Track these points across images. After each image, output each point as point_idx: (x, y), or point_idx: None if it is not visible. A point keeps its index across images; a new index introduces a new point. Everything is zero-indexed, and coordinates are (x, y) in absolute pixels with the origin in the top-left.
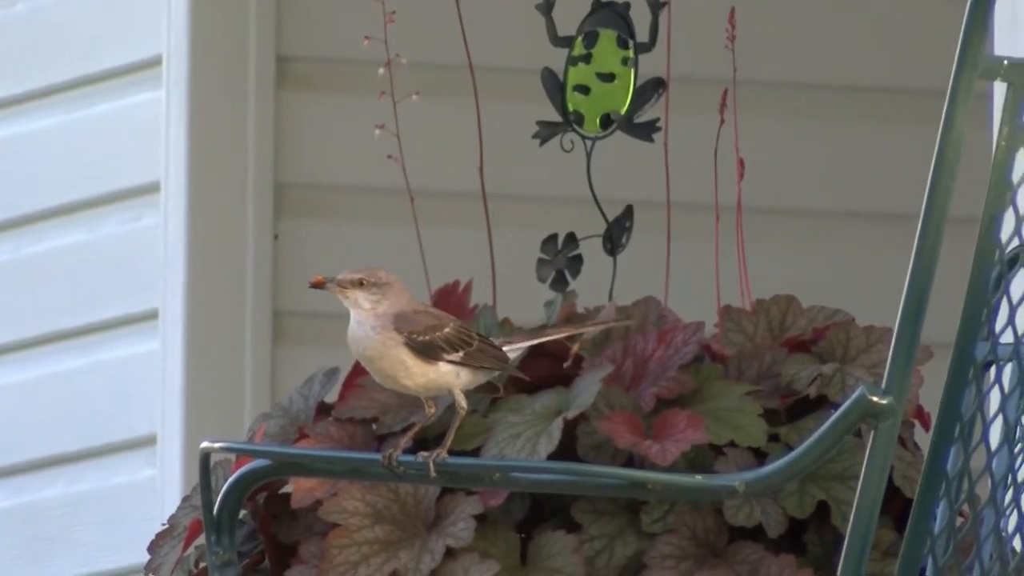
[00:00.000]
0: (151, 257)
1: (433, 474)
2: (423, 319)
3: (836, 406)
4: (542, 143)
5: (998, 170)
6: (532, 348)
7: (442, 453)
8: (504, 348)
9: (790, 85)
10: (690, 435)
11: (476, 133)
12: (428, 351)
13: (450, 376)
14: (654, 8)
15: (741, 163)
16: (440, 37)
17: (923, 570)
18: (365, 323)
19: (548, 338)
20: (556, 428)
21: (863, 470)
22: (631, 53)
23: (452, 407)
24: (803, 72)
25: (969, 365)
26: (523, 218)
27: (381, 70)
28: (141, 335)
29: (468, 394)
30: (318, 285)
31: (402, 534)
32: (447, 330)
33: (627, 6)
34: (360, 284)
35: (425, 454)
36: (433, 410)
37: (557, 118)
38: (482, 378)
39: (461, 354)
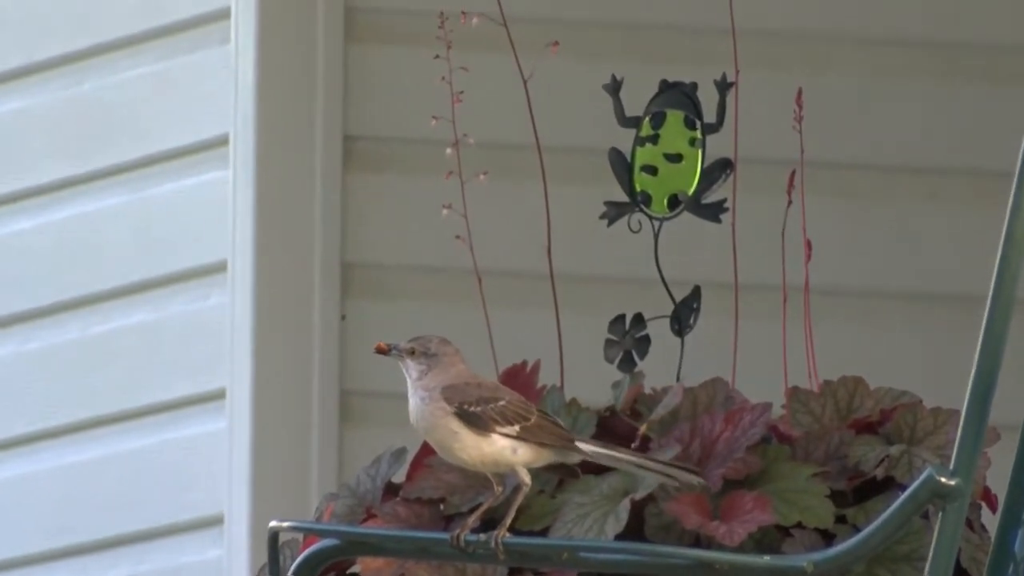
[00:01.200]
0: (218, 337)
1: (502, 555)
2: (475, 391)
3: (903, 487)
4: (610, 224)
5: None
6: (599, 428)
7: (502, 532)
8: (580, 443)
9: (857, 166)
10: (757, 516)
11: (543, 213)
12: (479, 423)
13: (507, 451)
14: (721, 89)
15: (808, 244)
16: (507, 117)
17: None
18: (416, 393)
19: (615, 454)
20: (624, 509)
21: (931, 552)
22: (699, 134)
23: (518, 486)
24: (869, 153)
25: None
26: (591, 299)
27: (448, 150)
28: (208, 415)
29: (534, 472)
30: (381, 351)
31: None
32: (501, 403)
33: (694, 87)
34: (412, 352)
35: (488, 534)
36: (501, 488)
37: (625, 199)
38: (547, 456)
39: (517, 428)
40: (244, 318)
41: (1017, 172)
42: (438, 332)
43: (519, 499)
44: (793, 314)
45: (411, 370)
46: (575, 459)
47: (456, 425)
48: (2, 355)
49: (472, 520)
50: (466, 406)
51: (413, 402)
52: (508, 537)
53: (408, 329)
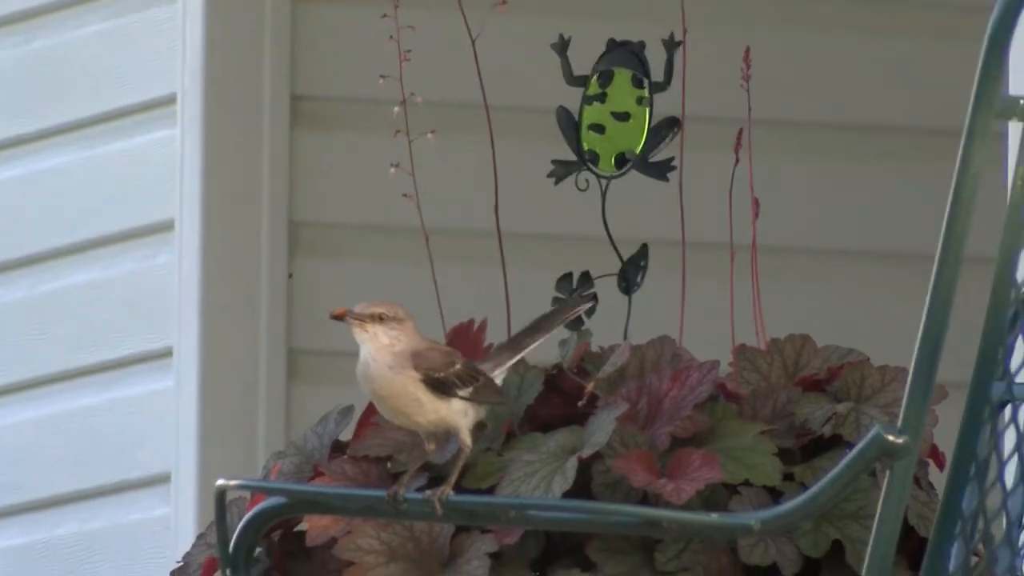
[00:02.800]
0: (165, 295)
1: (439, 511)
2: (437, 356)
3: (851, 445)
4: (557, 182)
5: (1014, 209)
6: (546, 386)
7: (447, 490)
8: (495, 373)
9: (804, 124)
10: (705, 474)
11: (491, 172)
12: (443, 388)
13: (459, 414)
14: (669, 47)
15: (756, 202)
16: (455, 76)
17: None
18: (381, 360)
19: (528, 349)
20: (571, 467)
21: (879, 509)
22: (646, 92)
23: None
24: (817, 111)
25: (985, 404)
26: (538, 257)
27: (396, 109)
28: (155, 373)
29: (473, 432)
30: (339, 317)
31: (417, 572)
32: (458, 367)
33: (642, 45)
34: (380, 319)
35: (431, 492)
36: (433, 446)
37: (572, 157)
38: (482, 414)
39: (470, 390)
40: (191, 277)
41: (965, 128)
42: (385, 290)
43: (463, 459)
44: (740, 272)
45: (380, 336)
46: (502, 410)
47: (421, 392)
48: None
49: (407, 478)
50: (432, 373)
51: (377, 368)
52: (452, 495)
53: (356, 288)
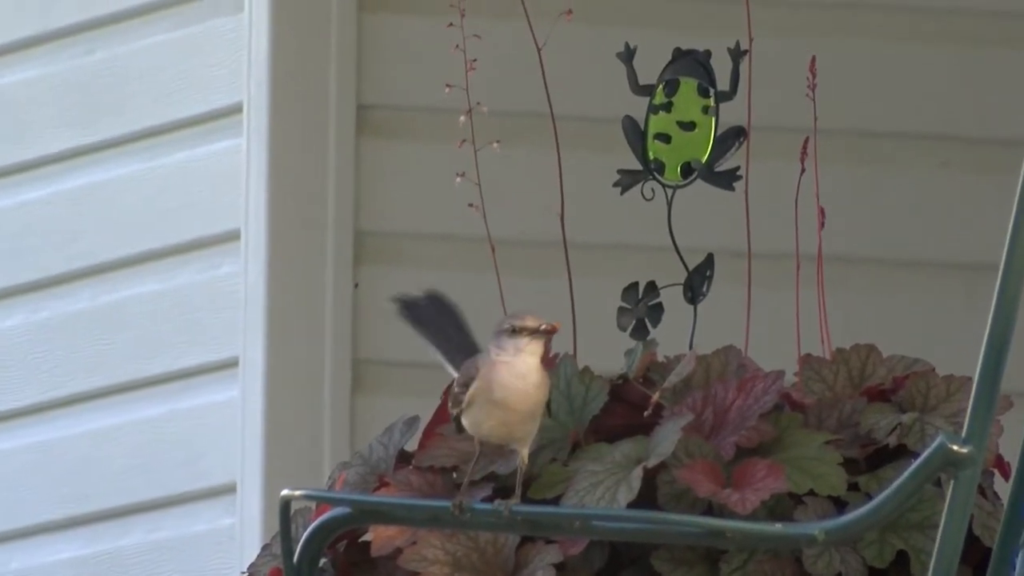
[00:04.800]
0: (231, 306)
1: (507, 517)
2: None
3: (916, 455)
4: (623, 191)
5: None
6: (612, 396)
7: (515, 500)
8: None
9: (871, 134)
10: (770, 484)
11: (557, 181)
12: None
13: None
14: (735, 57)
15: (822, 212)
16: (521, 85)
17: None
18: (540, 375)
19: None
20: (636, 477)
21: (943, 519)
22: (712, 102)
23: (533, 454)
24: (884, 121)
25: None
26: (604, 267)
27: (462, 118)
28: (220, 383)
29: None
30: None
31: None
32: None
33: (708, 55)
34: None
35: (502, 502)
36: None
37: (638, 166)
38: None
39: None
40: (257, 287)
41: None
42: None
43: (523, 470)
44: (806, 282)
45: (542, 351)
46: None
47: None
48: (13, 324)
49: (465, 485)
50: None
51: (537, 378)
52: (519, 505)
53: None
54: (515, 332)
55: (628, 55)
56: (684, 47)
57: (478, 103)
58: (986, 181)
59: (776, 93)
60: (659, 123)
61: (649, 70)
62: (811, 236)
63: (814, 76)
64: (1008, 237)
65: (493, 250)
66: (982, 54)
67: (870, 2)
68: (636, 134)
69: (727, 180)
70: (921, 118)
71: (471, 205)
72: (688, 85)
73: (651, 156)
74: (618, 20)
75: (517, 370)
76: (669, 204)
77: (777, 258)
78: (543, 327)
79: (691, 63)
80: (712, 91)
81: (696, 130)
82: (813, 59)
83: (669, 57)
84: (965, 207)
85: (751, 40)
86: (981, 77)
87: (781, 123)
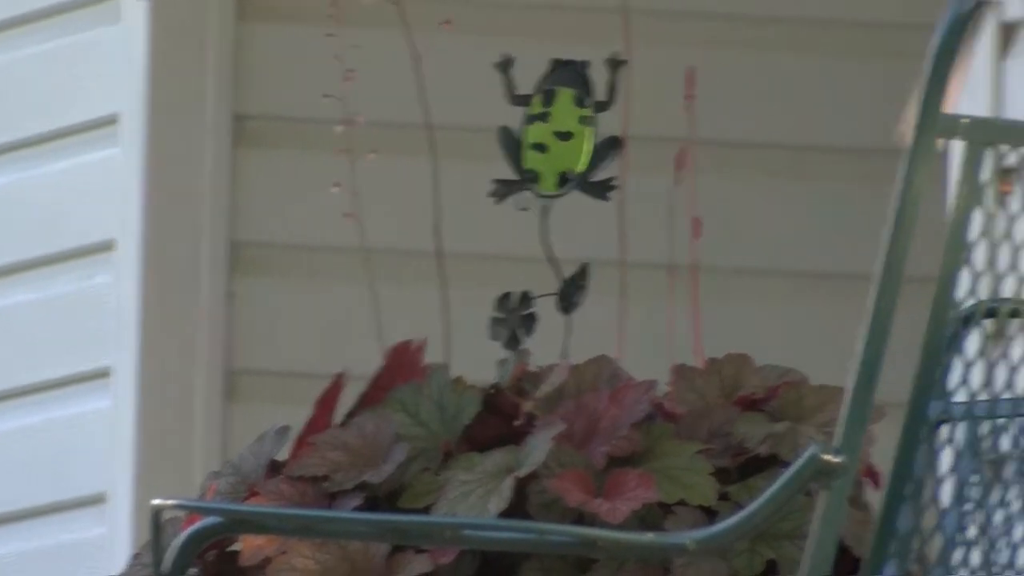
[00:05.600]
0: (104, 315)
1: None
2: None
3: (788, 465)
4: (498, 201)
5: (955, 228)
6: (484, 406)
7: None
8: None
9: (746, 145)
10: (641, 493)
11: (433, 191)
12: None
13: None
14: (613, 66)
15: (697, 222)
16: (399, 95)
17: None
18: None
19: None
20: (507, 487)
21: (813, 528)
22: (589, 112)
23: (404, 464)
24: (759, 132)
25: (922, 424)
26: (478, 277)
27: (339, 128)
28: (93, 393)
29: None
30: None
31: None
32: None
33: (586, 64)
34: None
35: None
36: None
37: (514, 177)
38: None
39: None
40: (130, 297)
41: (908, 147)
42: (327, 310)
43: None
44: (680, 292)
45: None
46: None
47: None
48: None
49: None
50: None
51: None
52: (390, 515)
53: (297, 308)
54: None
55: (505, 65)
56: (562, 57)
57: (355, 113)
58: (861, 191)
59: (654, 104)
60: (536, 133)
61: (526, 80)
62: (687, 246)
63: (692, 87)
64: (884, 246)
65: (369, 260)
66: (856, 64)
67: (748, 14)
68: (512, 144)
69: (603, 190)
70: (797, 129)
71: (347, 215)
72: (565, 95)
73: (527, 166)
74: (495, 30)
75: None
76: (544, 214)
77: (652, 268)
78: None
79: (568, 73)
80: (590, 101)
81: (573, 140)
82: (691, 69)
83: (547, 67)
84: (840, 217)
85: (629, 50)
86: (855, 87)
87: (658, 133)
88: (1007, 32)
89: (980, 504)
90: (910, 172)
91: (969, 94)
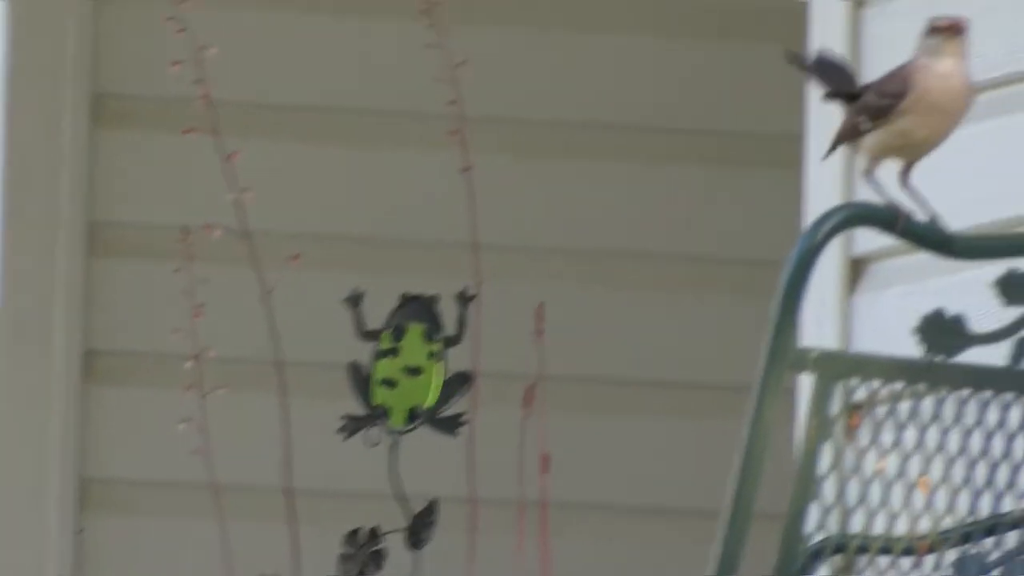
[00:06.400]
0: None
1: None
2: None
3: None
4: (347, 437)
5: (806, 461)
6: None
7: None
8: None
9: (595, 380)
10: None
11: (282, 427)
12: None
13: None
14: (462, 301)
15: (546, 458)
16: (249, 330)
17: None
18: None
19: None
20: None
21: None
22: (439, 347)
23: None
24: (607, 367)
25: None
26: (328, 512)
27: (188, 364)
28: None
29: None
30: None
31: None
32: None
33: (435, 299)
34: None
35: None
36: None
37: (363, 412)
38: None
39: None
40: None
41: (759, 381)
42: (176, 547)
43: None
44: (530, 528)
45: None
46: None
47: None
48: None
49: None
50: None
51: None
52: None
53: (146, 545)
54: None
55: (354, 300)
56: (411, 292)
57: (205, 348)
58: (710, 426)
59: (503, 339)
60: (385, 368)
61: (376, 315)
62: (535, 482)
63: (541, 322)
64: (734, 481)
65: (218, 496)
66: (706, 300)
67: (598, 249)
68: (361, 380)
69: (451, 426)
70: (648, 364)
71: (196, 451)
72: (415, 330)
73: (377, 402)
74: (345, 265)
75: (944, 71)
76: (394, 450)
77: (501, 504)
78: (947, 24)
79: (418, 308)
80: (439, 336)
81: (422, 375)
82: (540, 305)
83: (396, 302)
84: (689, 454)
85: (479, 285)
86: (706, 323)
87: (508, 369)
88: (855, 267)
89: None
90: (760, 405)
91: (817, 328)
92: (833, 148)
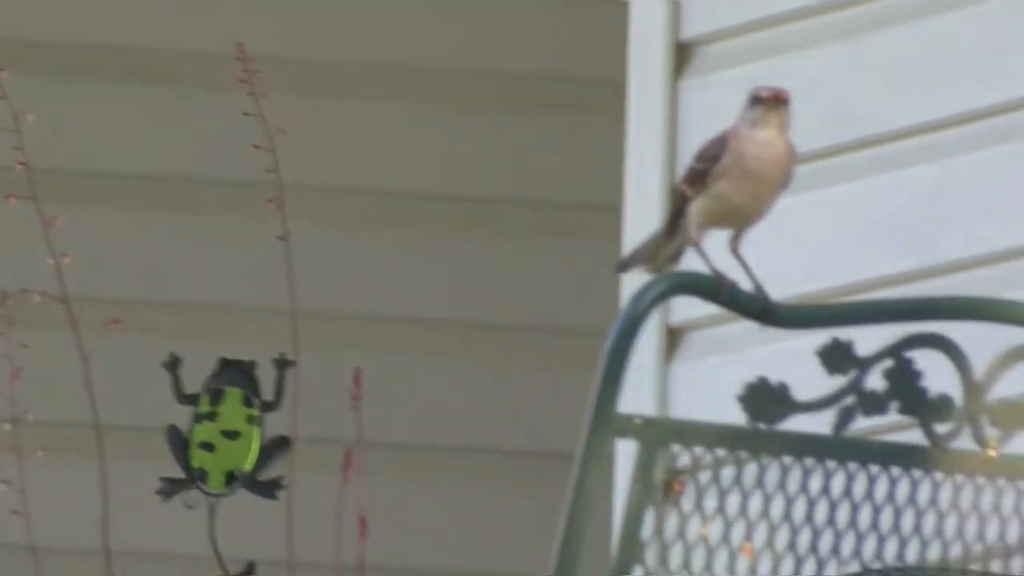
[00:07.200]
0: None
1: None
2: None
3: None
4: (165, 499)
5: (629, 527)
6: None
7: None
8: None
9: (413, 445)
10: None
11: (100, 490)
12: None
13: None
14: (280, 367)
15: (364, 523)
16: (68, 393)
17: None
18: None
19: None
20: None
21: None
22: (257, 411)
23: None
24: (426, 433)
25: None
26: (146, 575)
27: (7, 426)
28: None
29: None
30: None
31: None
32: None
33: (253, 365)
34: None
35: None
36: None
37: (181, 475)
38: None
39: None
40: None
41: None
42: None
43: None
44: None
45: None
46: None
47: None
48: None
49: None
50: None
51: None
52: None
53: None
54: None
55: (173, 364)
56: (229, 357)
57: (24, 411)
58: (536, 496)
59: (321, 404)
60: (203, 432)
61: (194, 379)
62: (354, 546)
63: (359, 387)
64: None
65: (35, 558)
66: (528, 372)
67: (417, 317)
68: (179, 443)
69: (270, 489)
70: (467, 433)
71: (15, 512)
72: (233, 395)
73: (195, 464)
74: (163, 329)
75: (762, 139)
76: (212, 513)
77: (319, 568)
78: (768, 95)
79: (236, 373)
80: (257, 401)
81: (240, 439)
82: (358, 371)
83: (214, 367)
84: (511, 522)
85: (297, 351)
86: (520, 393)
87: (326, 434)
88: (672, 336)
89: None
90: (583, 471)
91: (635, 393)
92: (671, 222)
